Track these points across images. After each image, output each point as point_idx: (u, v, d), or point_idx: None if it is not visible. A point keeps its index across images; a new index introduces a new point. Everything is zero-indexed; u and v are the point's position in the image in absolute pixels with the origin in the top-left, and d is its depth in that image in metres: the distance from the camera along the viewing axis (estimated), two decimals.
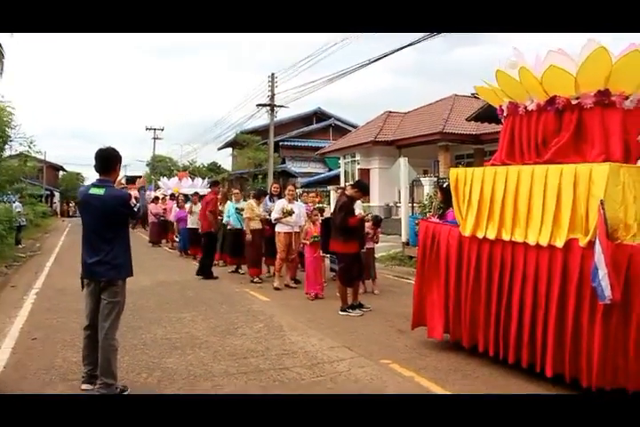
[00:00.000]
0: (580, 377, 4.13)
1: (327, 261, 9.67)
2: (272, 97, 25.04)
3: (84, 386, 4.40)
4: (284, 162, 35.50)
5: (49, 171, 50.82)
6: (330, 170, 35.18)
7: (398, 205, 20.11)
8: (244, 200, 11.42)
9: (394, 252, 13.36)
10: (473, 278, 4.98)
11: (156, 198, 19.59)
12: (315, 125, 39.00)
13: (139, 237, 19.20)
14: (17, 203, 19.23)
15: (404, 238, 13.13)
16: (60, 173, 62.28)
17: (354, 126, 34.29)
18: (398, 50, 15.34)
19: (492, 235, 4.87)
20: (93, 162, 4.34)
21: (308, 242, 8.39)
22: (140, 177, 4.73)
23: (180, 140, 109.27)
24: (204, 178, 27.85)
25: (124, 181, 4.68)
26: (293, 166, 35.99)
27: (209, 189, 17.38)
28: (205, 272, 10.46)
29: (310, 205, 9.63)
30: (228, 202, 11.49)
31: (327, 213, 9.11)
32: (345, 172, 26.11)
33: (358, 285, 7.68)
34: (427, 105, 24.73)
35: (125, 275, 4.38)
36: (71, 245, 18.19)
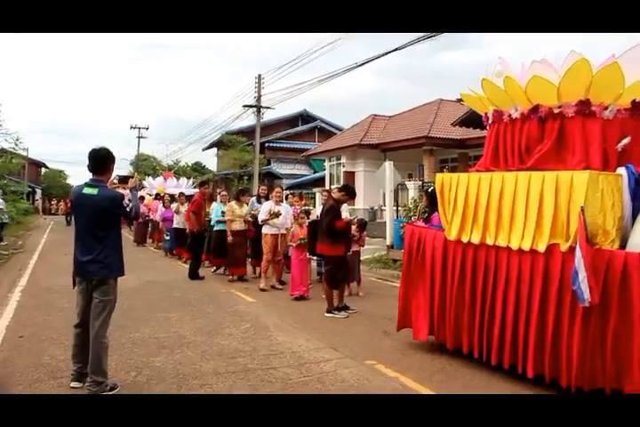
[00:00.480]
0: (559, 378, 4.27)
1: (313, 264, 9.76)
2: (259, 98, 25.09)
3: (74, 384, 4.44)
4: (269, 163, 35.52)
5: (31, 168, 50.27)
6: (315, 172, 35.30)
7: (383, 208, 20.26)
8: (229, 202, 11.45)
9: (378, 255, 13.48)
10: (458, 281, 5.11)
11: (141, 198, 19.54)
12: (300, 127, 39.09)
13: (123, 237, 18.98)
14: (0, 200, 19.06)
15: (388, 241, 13.26)
16: (43, 169, 61.66)
17: (339, 129, 34.44)
18: (385, 54, 15.48)
19: (476, 239, 5.00)
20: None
21: (294, 244, 8.48)
22: (132, 177, 4.77)
23: (164, 140, 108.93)
24: (188, 178, 27.81)
25: (116, 181, 4.72)
26: (278, 168, 36.05)
27: (195, 190, 17.46)
28: (192, 273, 10.50)
29: (297, 207, 9.73)
30: (214, 203, 11.52)
31: (313, 216, 9.21)
32: (330, 174, 26.25)
33: (344, 287, 7.79)
34: (412, 109, 24.98)
35: (117, 274, 4.44)
36: (54, 244, 18.13)
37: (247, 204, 10.39)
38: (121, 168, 48.21)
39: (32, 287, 9.33)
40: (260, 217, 9.27)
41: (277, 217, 9.08)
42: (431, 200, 6.14)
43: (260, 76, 25.19)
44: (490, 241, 4.89)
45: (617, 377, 4.10)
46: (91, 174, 4.47)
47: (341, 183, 22.78)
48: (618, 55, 4.51)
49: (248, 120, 29.67)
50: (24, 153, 26.49)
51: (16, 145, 17.88)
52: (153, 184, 24.00)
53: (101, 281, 4.33)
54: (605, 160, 4.56)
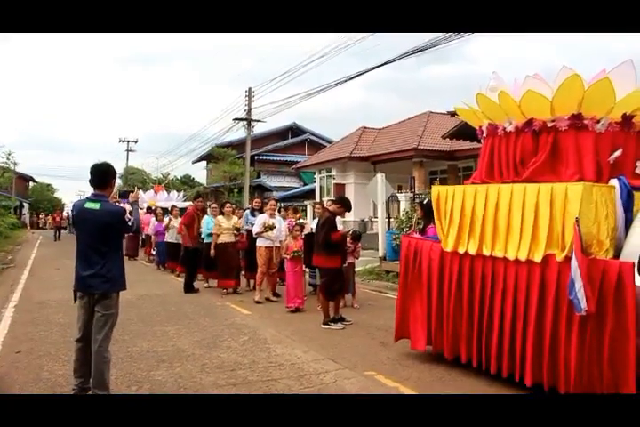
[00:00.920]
0: (557, 385, 4.34)
1: (307, 276, 9.80)
2: (249, 111, 25.22)
3: None
4: (259, 176, 35.64)
5: (18, 182, 49.94)
6: (305, 184, 35.46)
7: (373, 219, 20.39)
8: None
9: (371, 266, 13.54)
10: (455, 292, 5.19)
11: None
12: (290, 140, 39.33)
13: None
14: None
15: (380, 253, 13.35)
16: (30, 183, 61.27)
17: (329, 141, 34.69)
18: (375, 68, 15.70)
19: (472, 250, 5.09)
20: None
21: (288, 257, 8.52)
22: (132, 191, 4.82)
23: (153, 153, 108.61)
24: (179, 191, 27.79)
25: (116, 196, 4.76)
26: (269, 180, 36.17)
27: (187, 203, 17.46)
28: (187, 286, 10.51)
29: (292, 220, 9.78)
30: (205, 216, 11.52)
31: (307, 230, 9.28)
32: (320, 186, 26.36)
33: (340, 298, 7.84)
34: (401, 121, 25.25)
35: (119, 288, 4.46)
36: (45, 258, 18.00)
37: (233, 215, 10.46)
38: None
39: (25, 302, 9.27)
40: (255, 230, 9.32)
41: (272, 230, 9.13)
42: (426, 212, 6.22)
43: (250, 89, 25.36)
44: (486, 252, 4.98)
45: (614, 384, 4.17)
46: (92, 189, 4.51)
47: (332, 195, 22.92)
48: (609, 70, 4.65)
49: (238, 133, 29.84)
50: (14, 167, 26.40)
51: (8, 159, 17.82)
52: (144, 198, 23.88)
53: (104, 295, 4.35)
54: (598, 172, 4.68)
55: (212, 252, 9.99)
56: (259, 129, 28.87)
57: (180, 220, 12.64)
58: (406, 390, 4.81)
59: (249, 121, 25.31)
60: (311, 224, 9.95)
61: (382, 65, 15.29)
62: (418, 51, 13.58)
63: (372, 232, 18.96)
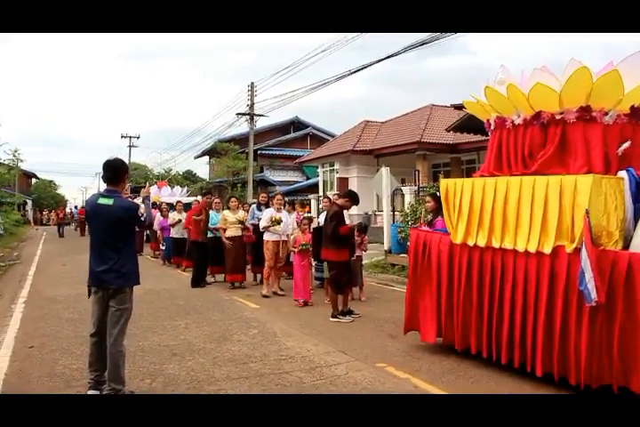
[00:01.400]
0: (568, 376, 4.39)
1: (312, 270, 9.84)
2: (251, 106, 25.19)
3: (91, 392, 4.47)
4: (262, 171, 35.62)
5: (22, 178, 49.98)
6: (308, 178, 35.45)
7: (377, 213, 20.42)
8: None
9: (376, 260, 13.59)
10: (465, 284, 5.23)
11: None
12: (292, 134, 39.25)
13: None
14: None
15: (386, 246, 13.39)
16: (33, 180, 61.36)
17: (331, 135, 34.62)
18: (378, 61, 15.64)
19: (482, 242, 5.12)
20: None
21: (296, 250, 8.57)
22: (144, 187, 4.85)
23: (155, 149, 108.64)
24: (182, 186, 27.80)
25: (128, 191, 4.80)
26: (272, 175, 36.18)
27: (191, 198, 17.53)
28: (195, 280, 10.62)
29: (300, 213, 9.83)
30: (211, 211, 11.57)
31: (314, 224, 9.33)
32: (324, 180, 26.36)
33: (348, 292, 7.89)
34: (404, 115, 25.18)
35: (133, 282, 4.51)
36: (50, 254, 18.09)
37: (239, 209, 10.52)
38: None
39: (34, 298, 9.34)
40: (262, 224, 9.37)
41: (279, 224, 9.18)
42: (439, 204, 6.22)
43: (252, 84, 25.31)
44: (496, 244, 5.01)
45: (624, 374, 4.21)
46: (105, 185, 4.55)
47: (335, 189, 22.94)
48: (616, 62, 4.66)
49: (240, 128, 29.78)
50: (20, 164, 26.48)
51: (14, 156, 17.86)
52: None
53: (118, 290, 4.40)
54: (607, 164, 4.70)
55: (227, 243, 10.02)
56: (261, 124, 28.85)
57: (184, 215, 12.75)
58: (418, 382, 4.85)
59: (252, 116, 25.29)
60: (318, 218, 10.01)
61: (385, 59, 15.23)
62: (421, 44, 13.55)
63: (375, 226, 18.98)
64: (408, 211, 13.37)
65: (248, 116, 25.40)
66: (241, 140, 32.95)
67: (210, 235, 10.70)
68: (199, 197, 12.39)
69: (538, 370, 4.55)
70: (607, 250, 4.29)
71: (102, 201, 4.41)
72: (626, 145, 4.70)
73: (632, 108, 4.72)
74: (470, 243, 5.24)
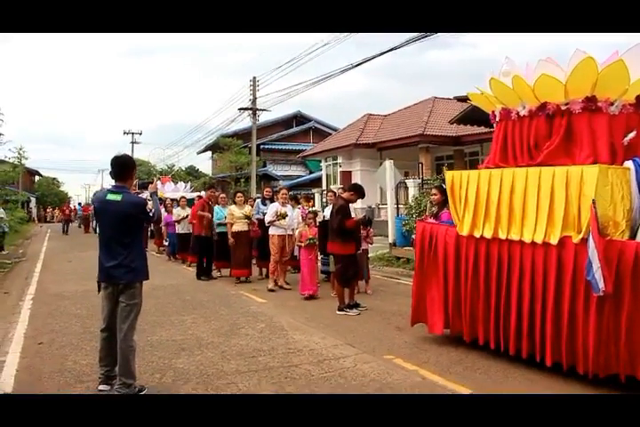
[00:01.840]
0: (576, 365, 4.42)
1: (319, 264, 9.87)
2: (254, 100, 25.17)
3: (102, 387, 4.51)
4: (264, 165, 35.63)
5: (25, 176, 50.08)
6: (311, 172, 35.46)
7: (381, 206, 20.41)
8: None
9: (381, 253, 13.61)
10: (472, 275, 5.25)
11: None
12: (295, 128, 39.25)
13: None
14: (0, 209, 19.03)
15: (390, 239, 13.40)
16: (37, 178, 61.47)
17: (334, 129, 34.61)
18: (380, 54, 15.61)
19: (488, 234, 5.14)
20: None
21: (303, 244, 8.59)
22: (151, 182, 4.87)
23: (158, 145, 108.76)
24: (185, 182, 27.81)
25: (135, 187, 4.82)
26: (275, 169, 36.18)
27: (194, 194, 17.57)
28: (199, 274, 10.71)
29: (305, 208, 9.85)
30: (216, 206, 11.60)
31: (319, 218, 9.35)
32: (327, 174, 26.36)
33: (355, 285, 7.92)
34: (406, 107, 25.14)
35: (142, 277, 4.52)
36: (55, 251, 18.16)
37: (246, 204, 10.57)
38: None
39: (42, 295, 9.38)
40: (267, 218, 9.39)
41: (284, 218, 9.20)
42: (444, 197, 6.23)
43: (254, 78, 25.28)
44: (502, 235, 5.02)
45: (631, 363, 4.23)
46: (113, 181, 4.57)
47: (338, 183, 22.93)
48: (621, 53, 4.65)
49: (243, 123, 29.78)
50: (25, 162, 26.56)
51: (19, 154, 17.90)
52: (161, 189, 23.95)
53: (127, 285, 4.41)
54: (613, 154, 4.70)
55: (231, 240, 10.06)
56: (263, 118, 28.90)
57: (188, 210, 12.81)
58: (426, 373, 4.88)
59: (254, 110, 25.26)
60: (323, 212, 10.03)
61: (387, 52, 15.19)
62: (422, 37, 13.50)
63: (379, 219, 18.98)
64: (412, 204, 13.37)
65: (250, 111, 25.39)
66: (243, 135, 32.97)
67: (218, 230, 10.74)
68: (203, 193, 12.44)
69: (547, 360, 4.57)
70: (614, 240, 4.30)
71: (111, 197, 4.43)
72: (632, 135, 4.70)
73: (638, 97, 4.72)
74: (477, 234, 5.25)
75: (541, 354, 4.64)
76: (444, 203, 6.18)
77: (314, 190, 24.45)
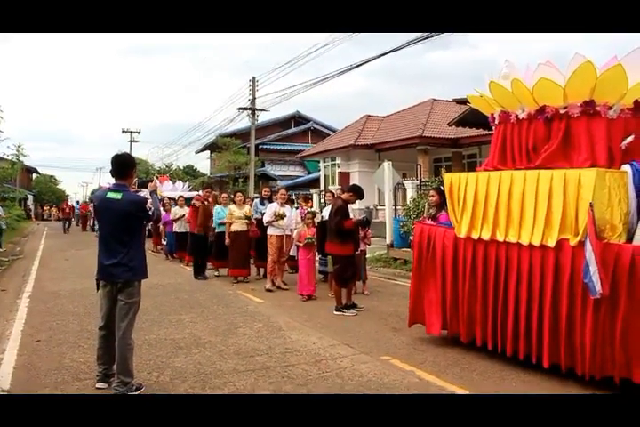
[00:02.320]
0: (575, 366, 4.45)
1: (317, 264, 9.89)
2: (253, 101, 25.19)
3: (99, 385, 4.53)
4: (263, 165, 35.65)
5: (23, 173, 49.90)
6: (309, 173, 35.48)
7: (379, 207, 20.45)
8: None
9: (378, 254, 13.63)
10: (469, 277, 5.28)
11: None
12: (294, 129, 39.28)
13: None
14: None
15: (388, 240, 13.42)
16: (34, 175, 61.37)
17: (332, 130, 34.66)
18: (380, 56, 15.65)
19: (486, 236, 5.16)
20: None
21: (301, 244, 8.61)
22: (151, 181, 4.89)
23: (156, 143, 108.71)
24: (183, 181, 27.80)
25: (135, 186, 4.84)
26: (273, 169, 36.22)
27: (193, 193, 17.60)
28: (196, 272, 10.79)
29: (304, 208, 9.87)
30: (216, 206, 11.63)
31: (317, 218, 9.37)
32: (325, 175, 26.39)
33: (352, 285, 7.94)
34: (405, 109, 25.21)
35: (141, 276, 4.54)
36: (53, 249, 18.12)
37: (245, 204, 10.60)
38: None
39: (39, 293, 9.38)
40: (266, 219, 9.41)
41: (282, 218, 9.22)
42: (442, 199, 6.26)
43: (254, 78, 25.30)
44: (500, 237, 5.05)
45: (626, 366, 4.26)
46: (113, 179, 4.59)
47: (337, 184, 22.96)
48: (620, 57, 4.68)
49: (241, 123, 29.84)
50: (23, 159, 26.50)
51: (18, 152, 17.89)
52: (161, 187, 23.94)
53: (126, 283, 4.43)
54: (611, 158, 4.74)
55: (227, 241, 10.10)
56: (262, 118, 28.93)
57: (186, 209, 12.88)
58: (422, 374, 4.90)
59: (253, 110, 25.27)
60: (322, 213, 10.05)
61: (388, 53, 15.26)
62: (423, 39, 13.55)
63: (377, 220, 19.01)
64: (410, 205, 13.39)
65: (249, 111, 25.40)
66: (242, 135, 33.00)
67: (218, 229, 10.81)
68: (200, 192, 12.50)
69: (545, 361, 4.60)
70: (611, 243, 4.33)
71: (111, 195, 4.44)
72: (629, 139, 4.73)
73: (636, 102, 4.75)
74: (475, 236, 5.28)
75: (538, 355, 4.67)
76: (442, 205, 6.21)
77: (312, 191, 24.48)
